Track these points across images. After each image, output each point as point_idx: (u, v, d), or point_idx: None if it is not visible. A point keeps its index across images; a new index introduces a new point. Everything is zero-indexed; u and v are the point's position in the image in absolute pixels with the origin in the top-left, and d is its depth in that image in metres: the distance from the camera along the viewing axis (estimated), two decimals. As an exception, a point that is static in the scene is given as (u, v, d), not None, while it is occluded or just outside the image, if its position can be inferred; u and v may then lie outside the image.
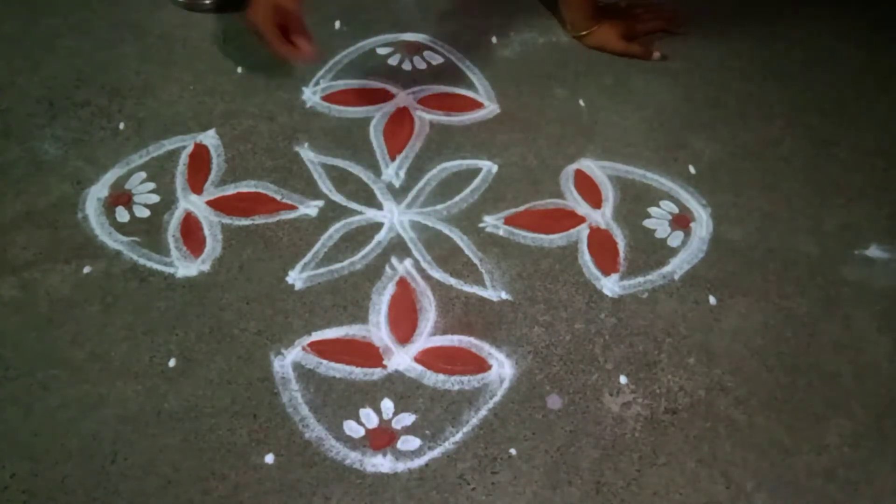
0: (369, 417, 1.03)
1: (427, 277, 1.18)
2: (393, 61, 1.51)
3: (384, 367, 1.08)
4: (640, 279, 1.20)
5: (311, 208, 1.26)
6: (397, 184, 1.30)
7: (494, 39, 1.58)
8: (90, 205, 1.23)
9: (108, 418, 1.01)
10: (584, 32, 1.54)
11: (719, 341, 1.13)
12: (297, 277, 1.17)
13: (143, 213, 1.23)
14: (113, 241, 1.19)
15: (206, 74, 1.46)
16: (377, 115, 1.41)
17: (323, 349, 1.09)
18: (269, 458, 0.98)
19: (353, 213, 1.26)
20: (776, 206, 1.31)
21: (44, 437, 0.98)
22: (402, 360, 1.08)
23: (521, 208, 1.28)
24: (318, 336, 1.10)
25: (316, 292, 1.15)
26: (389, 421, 1.03)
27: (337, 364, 1.08)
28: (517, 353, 1.10)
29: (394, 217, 1.24)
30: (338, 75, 1.48)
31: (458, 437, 1.01)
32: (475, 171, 1.33)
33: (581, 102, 1.46)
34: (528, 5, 1.65)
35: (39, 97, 1.39)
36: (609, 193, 1.31)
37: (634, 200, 1.30)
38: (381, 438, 1.01)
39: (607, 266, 1.21)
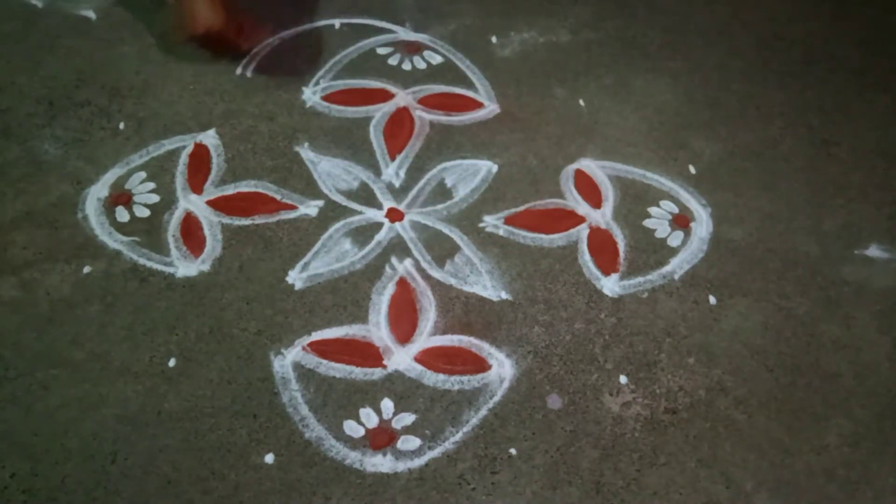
0: (369, 417, 1.03)
1: (427, 277, 1.18)
2: (393, 61, 1.51)
3: (384, 366, 1.08)
4: (640, 279, 1.20)
5: (311, 208, 1.26)
6: (397, 184, 1.30)
7: (494, 39, 1.58)
8: (90, 205, 1.24)
9: (108, 418, 1.01)
10: None
11: (719, 341, 1.13)
12: (297, 277, 1.17)
13: (143, 212, 1.23)
14: (113, 240, 1.19)
15: (206, 74, 1.46)
16: (377, 115, 1.41)
17: (323, 349, 1.09)
18: (269, 458, 0.98)
19: (353, 212, 1.26)
20: (776, 206, 1.31)
21: (44, 437, 0.99)
22: (402, 359, 1.09)
23: (521, 208, 1.28)
24: (318, 336, 1.10)
25: (316, 292, 1.15)
26: (389, 421, 1.03)
27: (337, 364, 1.08)
28: (517, 353, 1.10)
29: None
30: (338, 75, 1.48)
31: (458, 437, 1.02)
32: (475, 171, 1.33)
33: (581, 102, 1.46)
34: (528, 5, 1.65)
35: (39, 97, 1.39)
36: (609, 193, 1.31)
37: (634, 200, 1.31)
38: (381, 438, 1.01)
39: (607, 266, 1.21)
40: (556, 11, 1.61)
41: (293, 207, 1.25)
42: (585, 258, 1.21)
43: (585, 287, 1.18)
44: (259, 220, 1.24)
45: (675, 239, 1.25)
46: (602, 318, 1.14)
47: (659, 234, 1.25)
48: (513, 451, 1.00)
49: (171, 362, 1.06)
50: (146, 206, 1.24)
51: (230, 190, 1.28)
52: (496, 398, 1.05)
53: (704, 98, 1.48)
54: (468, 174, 1.32)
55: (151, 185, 1.27)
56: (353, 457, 0.99)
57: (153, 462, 0.97)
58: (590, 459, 0.99)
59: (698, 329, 1.14)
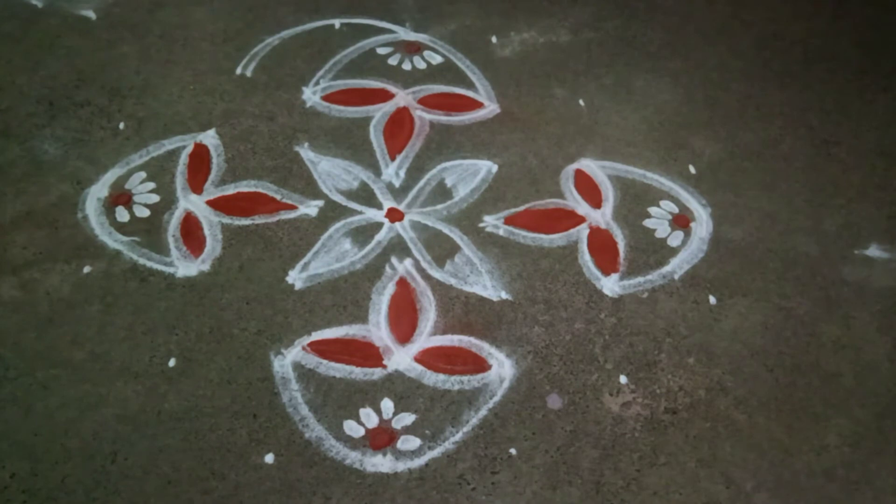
0: (369, 417, 1.03)
1: (427, 277, 1.18)
2: (393, 61, 1.51)
3: (384, 366, 1.08)
4: (640, 279, 1.20)
5: (311, 208, 1.26)
6: (397, 184, 1.30)
7: (494, 39, 1.58)
8: (90, 205, 1.23)
9: (108, 418, 1.01)
10: None
11: (719, 341, 1.13)
12: (297, 277, 1.17)
13: (143, 212, 1.23)
14: (113, 240, 1.19)
15: (206, 74, 1.46)
16: (377, 115, 1.41)
17: (323, 349, 1.09)
18: (269, 458, 0.98)
19: (353, 212, 1.26)
20: (776, 206, 1.31)
21: (44, 437, 0.98)
22: (402, 359, 1.09)
23: (521, 208, 1.28)
24: (318, 336, 1.10)
25: (316, 292, 1.15)
26: (389, 421, 1.03)
27: (337, 364, 1.08)
28: (517, 353, 1.10)
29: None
30: (338, 75, 1.48)
31: (458, 437, 1.01)
32: (475, 171, 1.33)
33: (581, 102, 1.46)
34: (528, 5, 1.65)
35: (39, 97, 1.39)
36: (609, 193, 1.31)
37: (634, 200, 1.31)
38: (381, 438, 1.01)
39: (607, 266, 1.21)
40: (556, 11, 1.61)
41: (293, 207, 1.25)
42: (585, 258, 1.21)
43: (585, 287, 1.18)
44: (259, 220, 1.24)
45: (675, 239, 1.25)
46: (602, 318, 1.14)
47: (659, 234, 1.25)
48: (513, 451, 1.00)
49: (171, 362, 1.06)
50: (146, 206, 1.24)
51: (230, 190, 1.28)
52: (496, 398, 1.05)
53: (704, 98, 1.48)
54: (468, 174, 1.32)
55: (151, 185, 1.27)
56: (353, 457, 0.99)
57: (153, 462, 0.97)
58: (590, 459, 0.99)
59: (698, 329, 1.14)
